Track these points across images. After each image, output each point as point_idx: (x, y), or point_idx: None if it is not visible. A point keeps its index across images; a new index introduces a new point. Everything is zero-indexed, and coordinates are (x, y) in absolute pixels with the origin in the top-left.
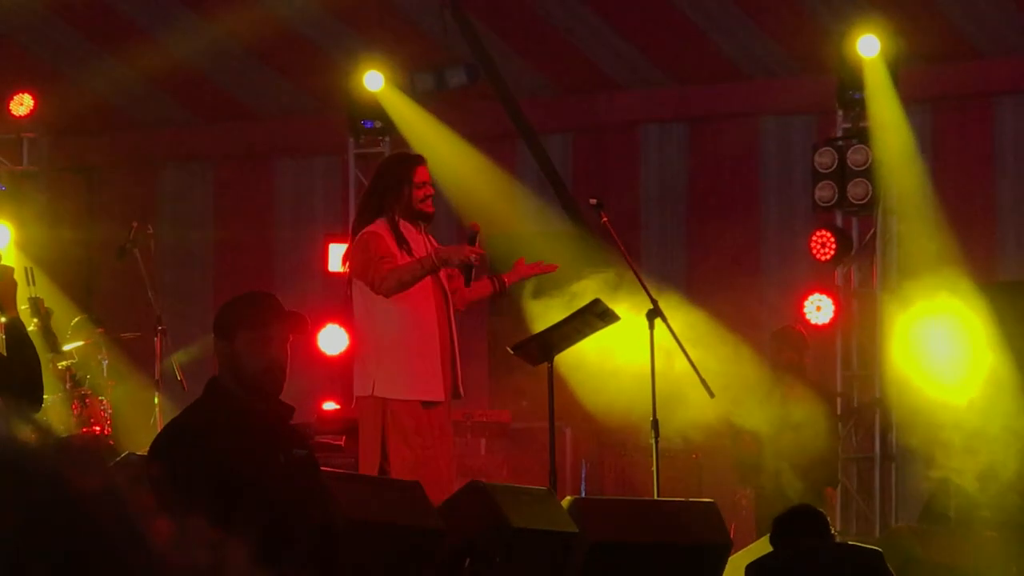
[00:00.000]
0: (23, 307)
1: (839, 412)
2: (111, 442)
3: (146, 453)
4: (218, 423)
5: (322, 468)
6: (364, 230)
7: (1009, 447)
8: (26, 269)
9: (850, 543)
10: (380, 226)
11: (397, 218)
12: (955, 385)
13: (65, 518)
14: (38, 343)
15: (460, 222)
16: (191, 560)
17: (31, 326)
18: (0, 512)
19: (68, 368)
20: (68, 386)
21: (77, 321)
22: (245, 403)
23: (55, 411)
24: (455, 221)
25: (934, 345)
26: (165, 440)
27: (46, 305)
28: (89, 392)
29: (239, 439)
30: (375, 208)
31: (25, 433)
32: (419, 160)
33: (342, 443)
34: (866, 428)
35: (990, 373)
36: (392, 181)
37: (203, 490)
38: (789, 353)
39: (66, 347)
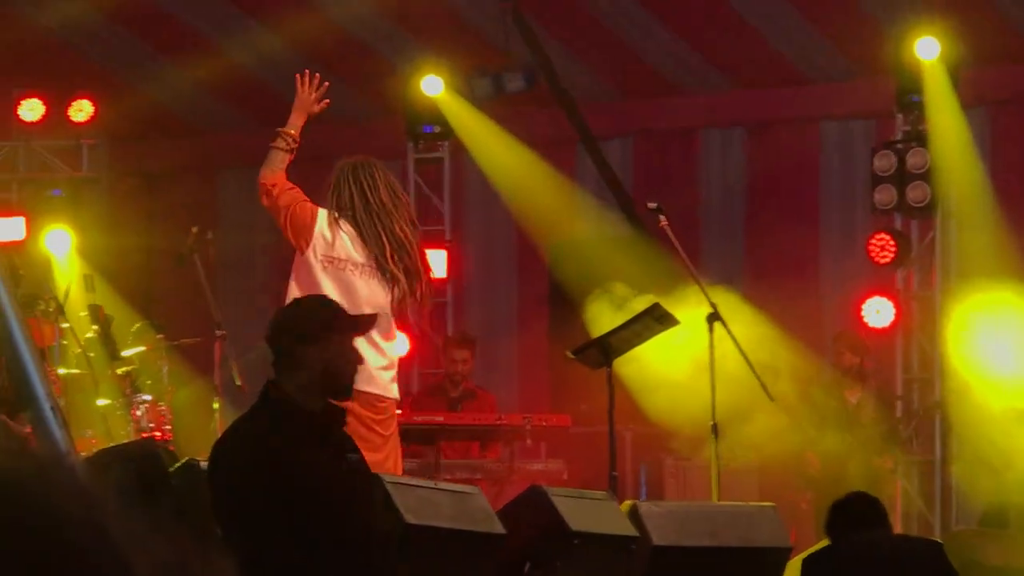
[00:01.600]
0: (82, 313)
1: (899, 415)
2: (171, 447)
3: (207, 459)
4: (282, 429)
5: (379, 473)
6: None
7: None
8: (85, 276)
9: (909, 535)
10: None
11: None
12: (1017, 387)
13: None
14: (98, 349)
15: (519, 226)
16: None
17: (90, 332)
18: None
19: (128, 374)
20: (128, 392)
21: (138, 327)
22: (306, 408)
23: (114, 417)
24: (514, 226)
25: (995, 346)
26: (228, 446)
27: (106, 312)
28: (149, 398)
29: (303, 445)
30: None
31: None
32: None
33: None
34: (927, 431)
35: None
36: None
37: (265, 496)
38: (849, 357)
39: (125, 353)
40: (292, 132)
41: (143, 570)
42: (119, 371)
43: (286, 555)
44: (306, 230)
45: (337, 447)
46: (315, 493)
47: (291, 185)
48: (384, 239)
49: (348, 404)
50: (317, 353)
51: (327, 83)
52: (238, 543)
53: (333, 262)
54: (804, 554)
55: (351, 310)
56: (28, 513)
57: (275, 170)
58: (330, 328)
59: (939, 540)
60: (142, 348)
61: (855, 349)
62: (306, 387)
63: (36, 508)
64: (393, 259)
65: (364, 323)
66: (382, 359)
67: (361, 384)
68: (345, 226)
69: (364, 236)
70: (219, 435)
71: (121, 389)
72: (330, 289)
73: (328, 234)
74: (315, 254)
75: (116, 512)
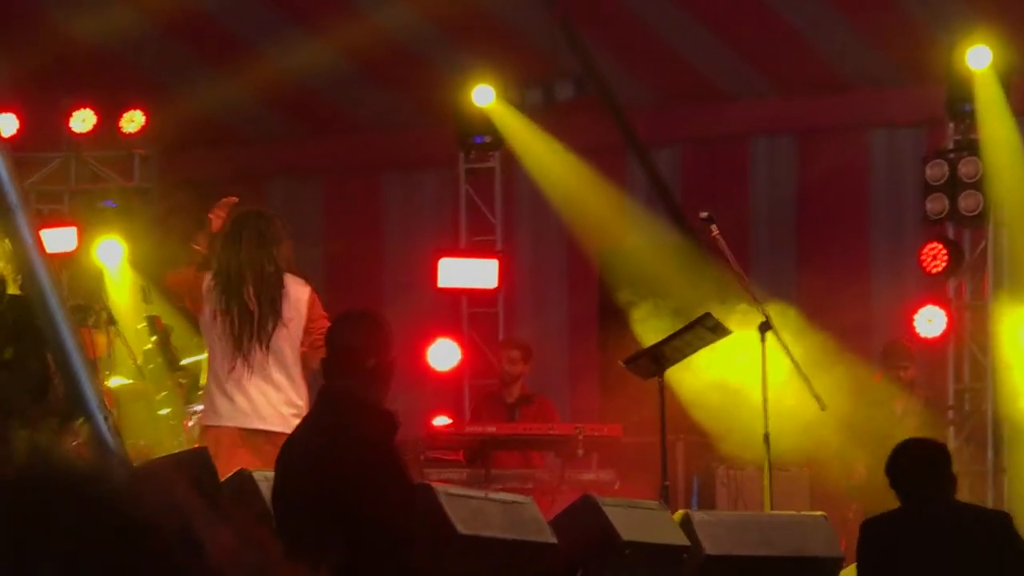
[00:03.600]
0: (140, 325)
1: (951, 425)
2: None
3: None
4: (386, 431)
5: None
6: (312, 290)
7: None
8: (142, 288)
9: (974, 504)
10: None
11: None
12: None
13: (132, 554)
14: (156, 360)
15: (570, 236)
16: None
17: (149, 344)
18: (54, 535)
19: (182, 385)
20: (183, 402)
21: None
22: (393, 416)
23: (167, 428)
24: (565, 235)
25: None
26: (334, 447)
27: (164, 322)
28: (201, 408)
29: (398, 451)
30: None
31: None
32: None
33: (460, 457)
34: (979, 441)
35: None
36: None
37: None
38: (898, 369)
39: (185, 362)
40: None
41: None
42: (180, 381)
43: (389, 554)
44: None
45: None
46: (412, 493)
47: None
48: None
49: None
50: (395, 363)
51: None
52: (336, 546)
53: None
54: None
55: None
56: (122, 525)
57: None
58: (390, 342)
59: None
60: (201, 357)
61: (904, 360)
62: (381, 395)
63: (130, 520)
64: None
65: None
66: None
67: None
68: None
69: None
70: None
71: (179, 399)
72: None
73: None
74: None
75: (206, 523)
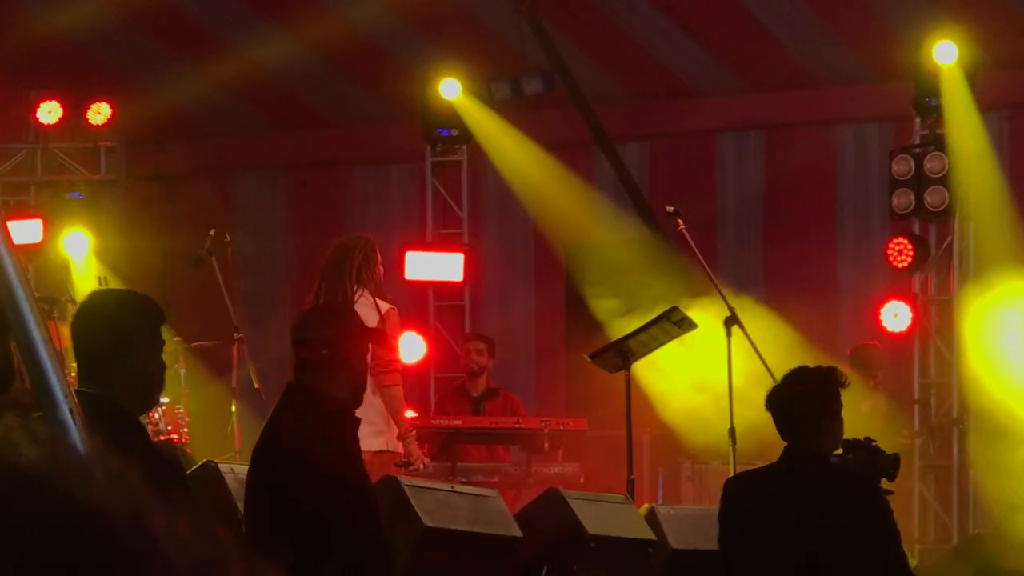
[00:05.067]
0: None
1: (917, 420)
2: (189, 450)
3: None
4: (345, 431)
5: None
6: (389, 307)
7: None
8: (99, 278)
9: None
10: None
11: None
12: None
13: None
14: None
15: (535, 229)
16: None
17: None
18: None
19: None
20: None
21: None
22: (350, 413)
23: None
24: (532, 229)
25: (1012, 350)
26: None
27: None
28: (166, 401)
29: (357, 451)
30: (356, 279)
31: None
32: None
33: (425, 451)
34: (944, 435)
35: None
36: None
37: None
38: (870, 377)
39: None
40: (404, 435)
41: (183, 566)
42: None
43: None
44: None
45: None
46: (368, 495)
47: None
48: None
49: None
50: (362, 359)
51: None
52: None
53: None
54: None
55: None
56: (73, 513)
57: (390, 398)
58: (366, 336)
59: (956, 553)
60: None
61: (875, 369)
62: (343, 390)
63: (81, 508)
64: None
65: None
66: None
67: None
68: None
69: None
70: (237, 435)
71: None
72: None
73: None
74: None
75: (159, 512)
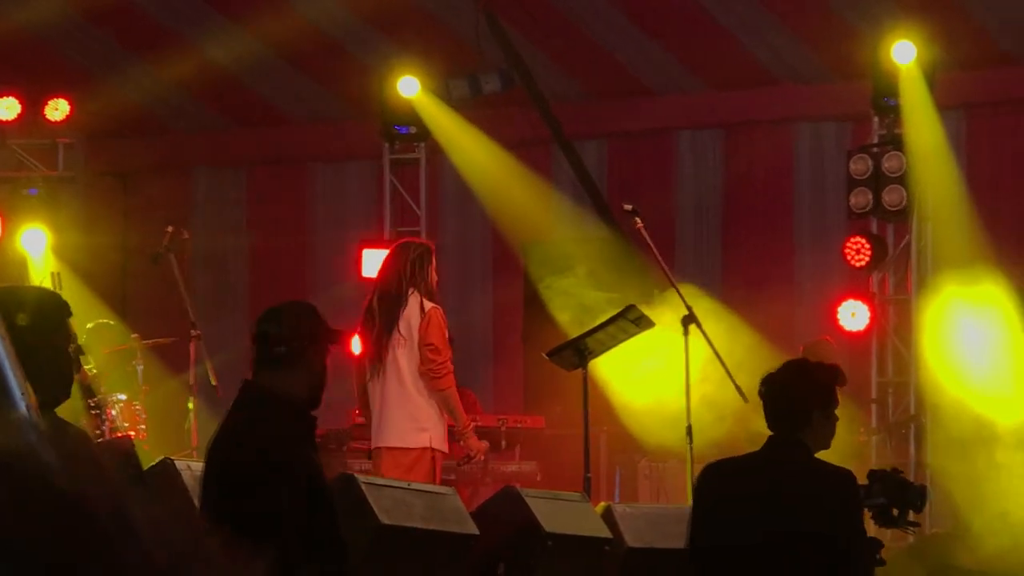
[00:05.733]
0: None
1: (874, 419)
2: (146, 447)
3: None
4: (295, 429)
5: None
6: (432, 306)
7: None
8: (53, 274)
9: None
10: (441, 310)
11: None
12: (989, 390)
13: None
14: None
15: (494, 227)
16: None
17: None
18: None
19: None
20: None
21: (91, 326)
22: (305, 411)
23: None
24: (490, 227)
25: (969, 349)
26: (238, 445)
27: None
28: (124, 397)
29: (311, 447)
30: (409, 280)
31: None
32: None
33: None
34: (901, 435)
35: None
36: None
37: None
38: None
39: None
40: (465, 431)
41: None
42: (87, 368)
43: (294, 555)
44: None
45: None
46: (324, 495)
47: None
48: None
49: None
50: (318, 356)
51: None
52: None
53: None
54: None
55: None
56: (54, 501)
57: (444, 400)
58: (329, 335)
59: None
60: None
61: (830, 360)
62: (300, 389)
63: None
64: None
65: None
66: None
67: None
68: None
69: None
70: (194, 432)
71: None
72: None
73: None
74: None
75: (137, 501)
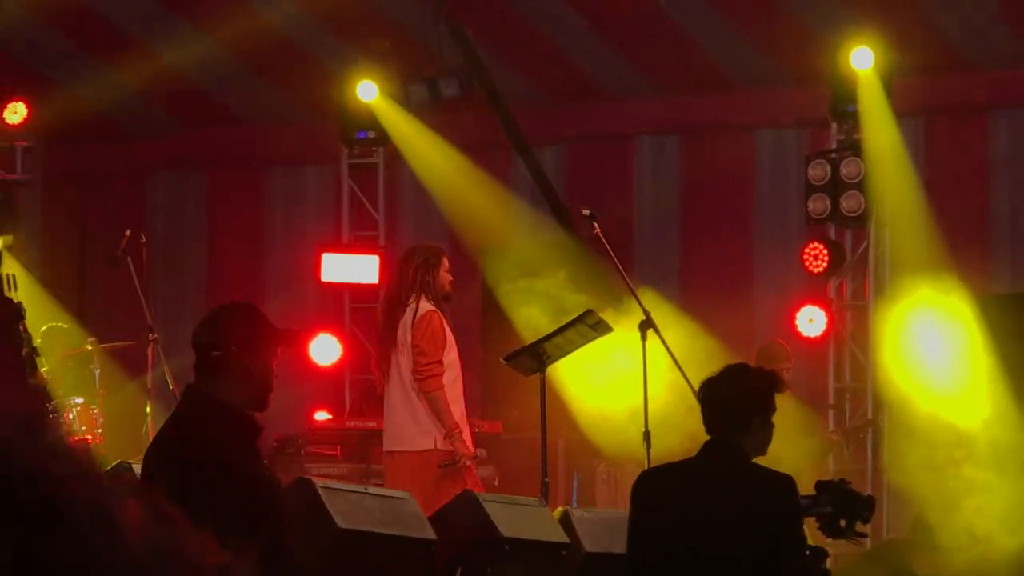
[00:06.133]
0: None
1: (831, 425)
2: (103, 451)
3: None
4: (236, 436)
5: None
6: (428, 310)
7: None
8: (6, 276)
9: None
10: (435, 313)
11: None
12: (947, 396)
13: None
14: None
15: (452, 232)
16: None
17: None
18: None
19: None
20: None
21: (46, 329)
22: (245, 416)
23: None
24: (448, 231)
25: (926, 355)
26: (176, 452)
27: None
28: (80, 401)
29: (252, 454)
30: (414, 284)
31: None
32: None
33: (337, 453)
34: (858, 440)
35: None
36: (426, 267)
37: (222, 504)
38: (781, 371)
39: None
40: (454, 436)
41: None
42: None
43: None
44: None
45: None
46: (272, 504)
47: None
48: None
49: None
50: (258, 360)
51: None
52: None
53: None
54: None
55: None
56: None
57: (433, 402)
58: (272, 338)
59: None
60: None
61: (783, 361)
62: (240, 393)
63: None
64: None
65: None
66: None
67: None
68: None
69: None
70: (151, 439)
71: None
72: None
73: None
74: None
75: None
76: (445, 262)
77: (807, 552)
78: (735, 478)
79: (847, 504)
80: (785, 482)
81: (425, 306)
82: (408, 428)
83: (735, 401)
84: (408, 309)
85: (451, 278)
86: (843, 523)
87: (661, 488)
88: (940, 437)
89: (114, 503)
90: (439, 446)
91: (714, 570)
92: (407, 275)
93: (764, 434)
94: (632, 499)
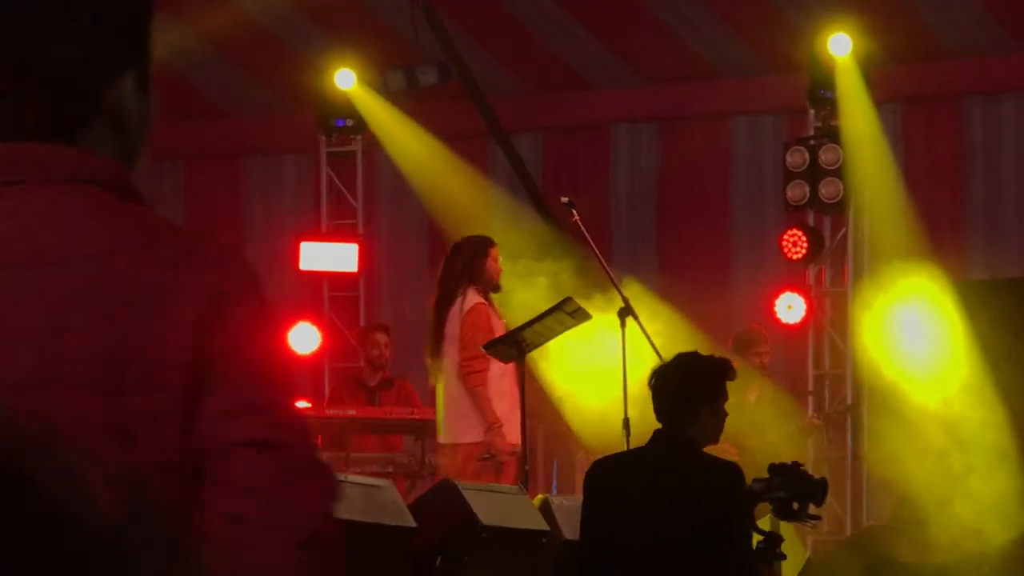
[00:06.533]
0: None
1: (811, 411)
2: None
3: None
4: None
5: None
6: (474, 303)
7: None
8: None
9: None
10: (482, 305)
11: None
12: (929, 381)
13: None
14: None
15: (430, 220)
16: None
17: None
18: None
19: None
20: None
21: None
22: None
23: None
24: (426, 220)
25: (905, 341)
26: None
27: None
28: None
29: None
30: (461, 278)
31: None
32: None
33: (317, 442)
34: (838, 427)
35: (965, 370)
36: (474, 257)
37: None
38: (758, 355)
39: None
40: (494, 431)
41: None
42: None
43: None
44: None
45: None
46: None
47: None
48: None
49: None
50: None
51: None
52: None
53: None
54: None
55: None
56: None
57: (475, 396)
58: None
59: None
60: None
61: (760, 346)
62: None
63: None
64: None
65: None
66: None
67: None
68: None
69: None
70: None
71: None
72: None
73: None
74: None
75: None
76: (493, 252)
77: (763, 538)
78: (682, 467)
79: (800, 487)
80: (731, 470)
81: (473, 298)
82: (456, 421)
83: (683, 390)
84: (457, 301)
85: (500, 268)
86: (796, 506)
87: (612, 476)
88: (921, 423)
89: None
90: (485, 439)
91: (663, 557)
92: (455, 267)
93: (714, 422)
94: (584, 487)
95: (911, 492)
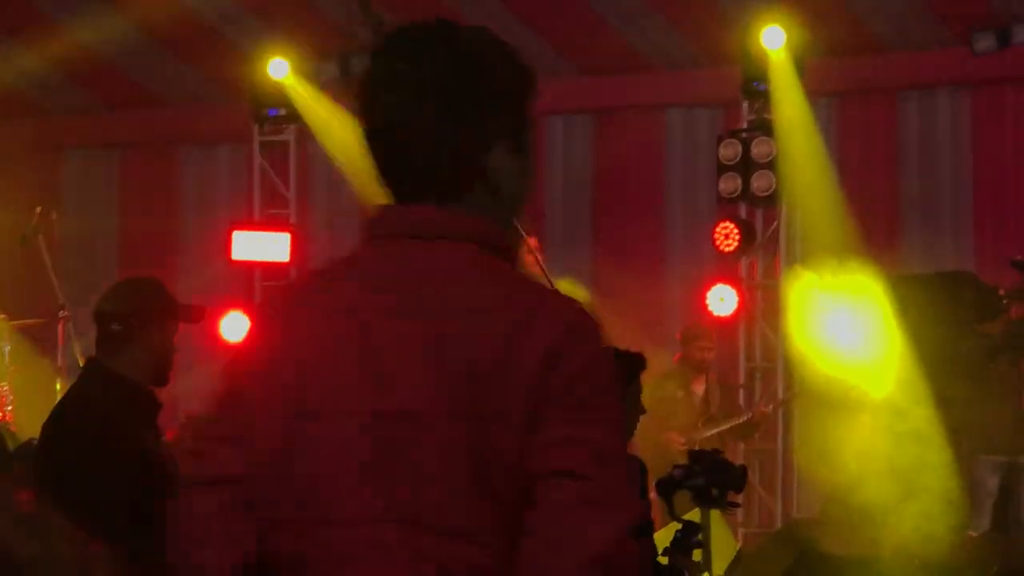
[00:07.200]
0: None
1: (743, 404)
2: (13, 428)
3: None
4: (130, 408)
5: None
6: None
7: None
8: None
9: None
10: None
11: None
12: (857, 375)
13: None
14: None
15: (363, 210)
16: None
17: None
18: None
19: None
20: None
21: None
22: (143, 390)
23: None
24: (359, 210)
25: (836, 334)
26: (72, 423)
27: None
28: None
29: (147, 426)
30: None
31: None
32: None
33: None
34: (769, 420)
35: (900, 364)
36: None
37: (113, 475)
38: (704, 350)
39: None
40: None
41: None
42: None
43: (123, 535)
44: None
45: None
46: (159, 475)
47: None
48: None
49: None
50: (158, 334)
51: None
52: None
53: None
54: (665, 530)
55: None
56: None
57: None
58: (171, 312)
59: (778, 539)
60: None
61: (706, 341)
62: (140, 367)
63: None
64: None
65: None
66: None
67: None
68: None
69: None
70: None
71: None
72: None
73: None
74: None
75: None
76: (529, 243)
77: (681, 526)
78: None
79: (719, 474)
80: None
81: None
82: None
83: None
84: None
85: (533, 258)
86: (715, 492)
87: None
88: (856, 417)
89: (17, 544)
90: None
91: None
92: None
93: (630, 417)
94: None
95: (841, 486)
